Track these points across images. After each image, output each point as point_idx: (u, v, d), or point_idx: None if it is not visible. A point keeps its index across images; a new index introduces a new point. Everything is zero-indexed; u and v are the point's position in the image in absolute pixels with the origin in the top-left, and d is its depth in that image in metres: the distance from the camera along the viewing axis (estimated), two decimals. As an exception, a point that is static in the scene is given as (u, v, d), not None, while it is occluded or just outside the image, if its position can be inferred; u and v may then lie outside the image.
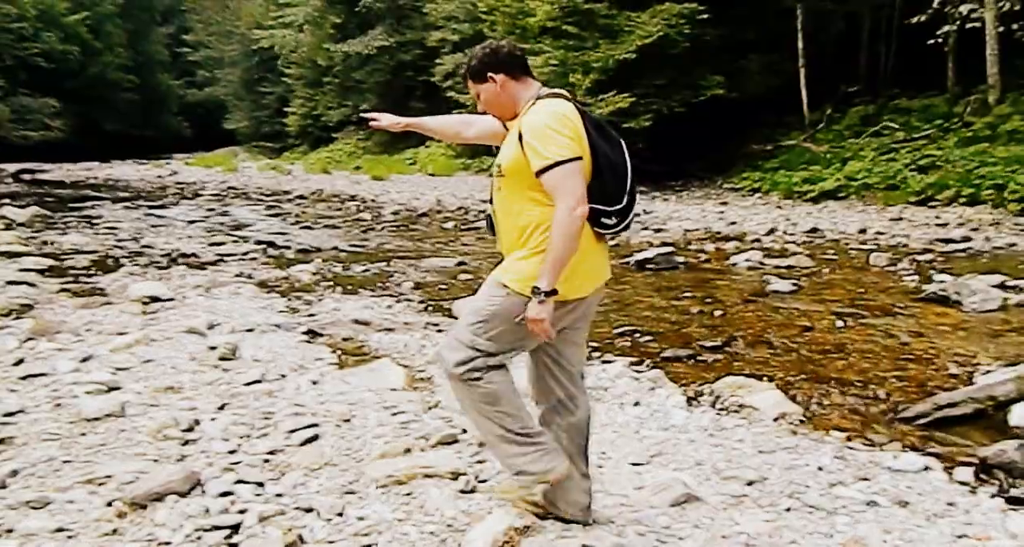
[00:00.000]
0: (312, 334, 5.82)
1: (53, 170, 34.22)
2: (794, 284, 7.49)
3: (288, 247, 11.06)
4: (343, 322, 6.18)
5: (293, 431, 3.69)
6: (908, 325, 5.96)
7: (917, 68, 16.71)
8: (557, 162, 2.38)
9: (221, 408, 4.10)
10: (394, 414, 3.96)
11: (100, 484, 3.11)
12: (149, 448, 3.52)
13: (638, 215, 2.40)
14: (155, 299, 6.90)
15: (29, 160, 36.12)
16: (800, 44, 17.44)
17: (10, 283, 7.48)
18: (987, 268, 8.15)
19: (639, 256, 8.97)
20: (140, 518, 2.84)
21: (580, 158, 2.42)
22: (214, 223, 14.54)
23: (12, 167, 31.97)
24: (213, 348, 5.16)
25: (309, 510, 2.91)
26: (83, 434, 3.68)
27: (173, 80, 67.25)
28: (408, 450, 3.43)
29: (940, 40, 14.77)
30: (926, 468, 3.33)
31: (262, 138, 49.05)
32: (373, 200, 19.41)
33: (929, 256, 9.12)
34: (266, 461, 3.38)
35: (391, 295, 7.45)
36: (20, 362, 4.87)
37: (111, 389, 4.33)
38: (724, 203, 15.59)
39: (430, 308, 6.87)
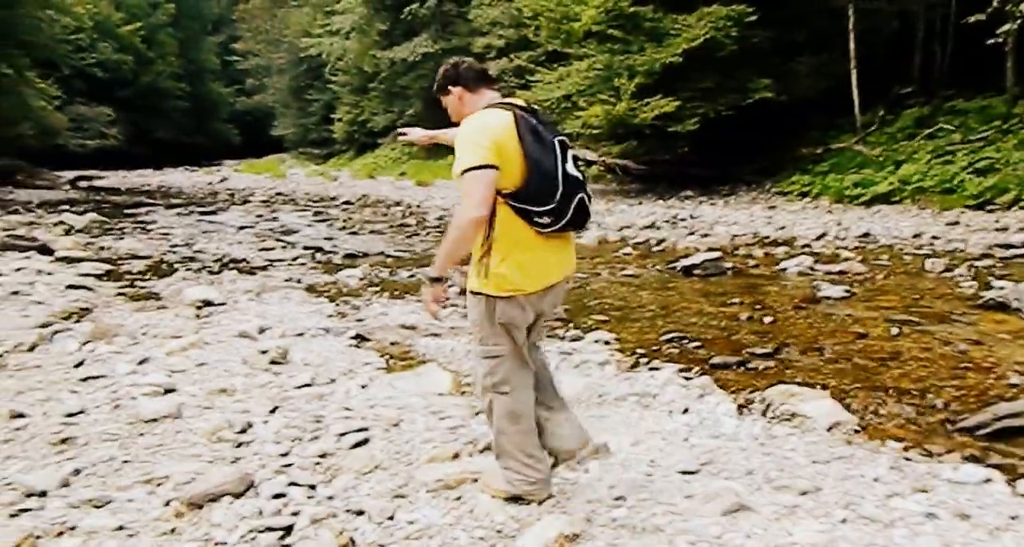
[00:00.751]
0: (360, 338, 5.88)
1: (108, 177, 35.22)
2: (846, 290, 7.35)
3: (335, 252, 11.19)
4: (390, 327, 6.24)
5: (343, 434, 3.74)
6: (966, 333, 5.81)
7: (974, 68, 16.28)
8: (467, 168, 2.65)
9: (273, 411, 4.17)
10: (441, 419, 3.98)
11: (158, 484, 3.19)
12: (204, 449, 3.60)
13: (588, 217, 2.85)
14: (208, 303, 7.04)
15: (85, 167, 37.16)
16: (852, 45, 17.12)
17: (70, 287, 7.71)
18: (1048, 274, 7.91)
19: (686, 262, 8.89)
20: (197, 518, 2.90)
21: (492, 166, 2.65)
22: (263, 228, 14.78)
23: (70, 174, 32.88)
24: (264, 352, 5.24)
25: (360, 513, 2.94)
26: (141, 435, 3.78)
27: (223, 88, 68.55)
28: (456, 455, 3.45)
29: (1000, 39, 14.38)
30: (987, 480, 3.22)
31: (309, 144, 49.69)
32: (418, 205, 19.55)
33: (987, 262, 8.87)
34: (317, 464, 3.43)
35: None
36: (80, 364, 5.02)
37: (167, 391, 4.44)
38: (772, 207, 15.37)
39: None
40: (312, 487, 3.17)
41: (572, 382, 4.56)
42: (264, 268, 9.64)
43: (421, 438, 3.70)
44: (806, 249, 10.43)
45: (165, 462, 3.44)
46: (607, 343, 5.66)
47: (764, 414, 4.13)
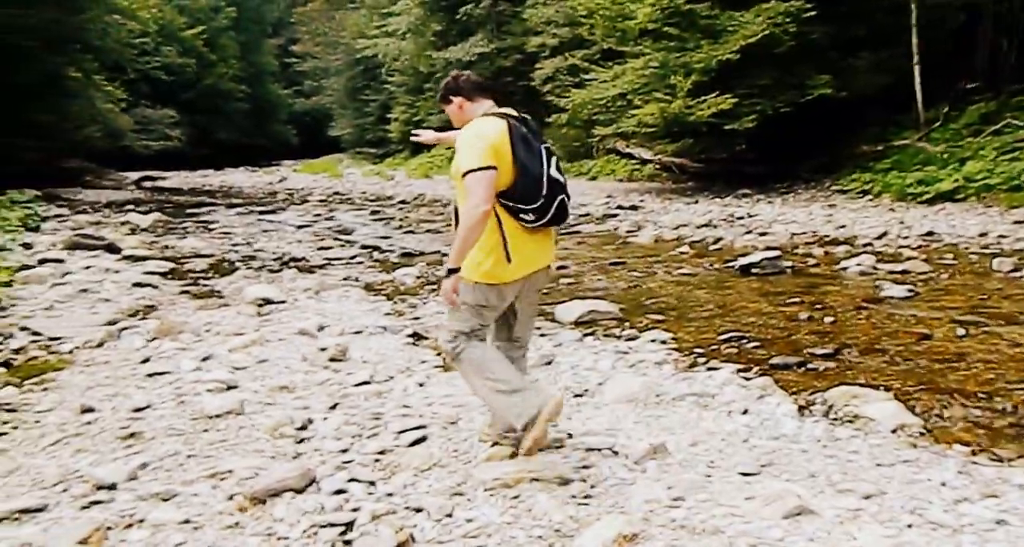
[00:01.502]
0: (417, 337, 5.94)
1: (171, 177, 36.20)
2: (909, 290, 7.17)
3: (392, 251, 11.31)
4: (447, 325, 6.27)
5: (402, 432, 3.78)
6: (1036, 334, 5.61)
7: (1043, 62, 15.75)
8: (470, 170, 3.02)
9: (333, 408, 4.24)
10: (499, 417, 3.99)
11: (222, 479, 3.27)
12: (266, 445, 3.67)
13: (567, 215, 3.31)
14: (268, 301, 7.18)
15: (149, 168, 38.29)
16: (914, 39, 16.66)
17: (136, 285, 7.95)
18: (1125, 274, 7.59)
19: (743, 260, 8.76)
20: (260, 513, 2.97)
21: (492, 167, 3.02)
22: (321, 228, 15.01)
23: (135, 175, 33.89)
24: (323, 349, 5.33)
25: (419, 510, 2.97)
26: (205, 430, 3.87)
27: (282, 90, 69.88)
28: (514, 454, 3.46)
29: (1071, 32, 13.86)
30: (1060, 487, 3.12)
31: (365, 145, 50.23)
32: (473, 204, 19.58)
33: (1058, 261, 8.56)
34: (376, 461, 3.47)
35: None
36: (147, 360, 5.17)
37: (230, 387, 4.54)
38: (832, 206, 15.04)
39: (531, 312, 6.88)
40: (372, 484, 3.22)
41: (628, 381, 4.54)
42: (322, 267, 9.80)
43: (478, 436, 3.72)
44: (867, 248, 10.19)
45: (228, 457, 3.52)
46: (664, 342, 5.62)
47: (826, 416, 4.06)
